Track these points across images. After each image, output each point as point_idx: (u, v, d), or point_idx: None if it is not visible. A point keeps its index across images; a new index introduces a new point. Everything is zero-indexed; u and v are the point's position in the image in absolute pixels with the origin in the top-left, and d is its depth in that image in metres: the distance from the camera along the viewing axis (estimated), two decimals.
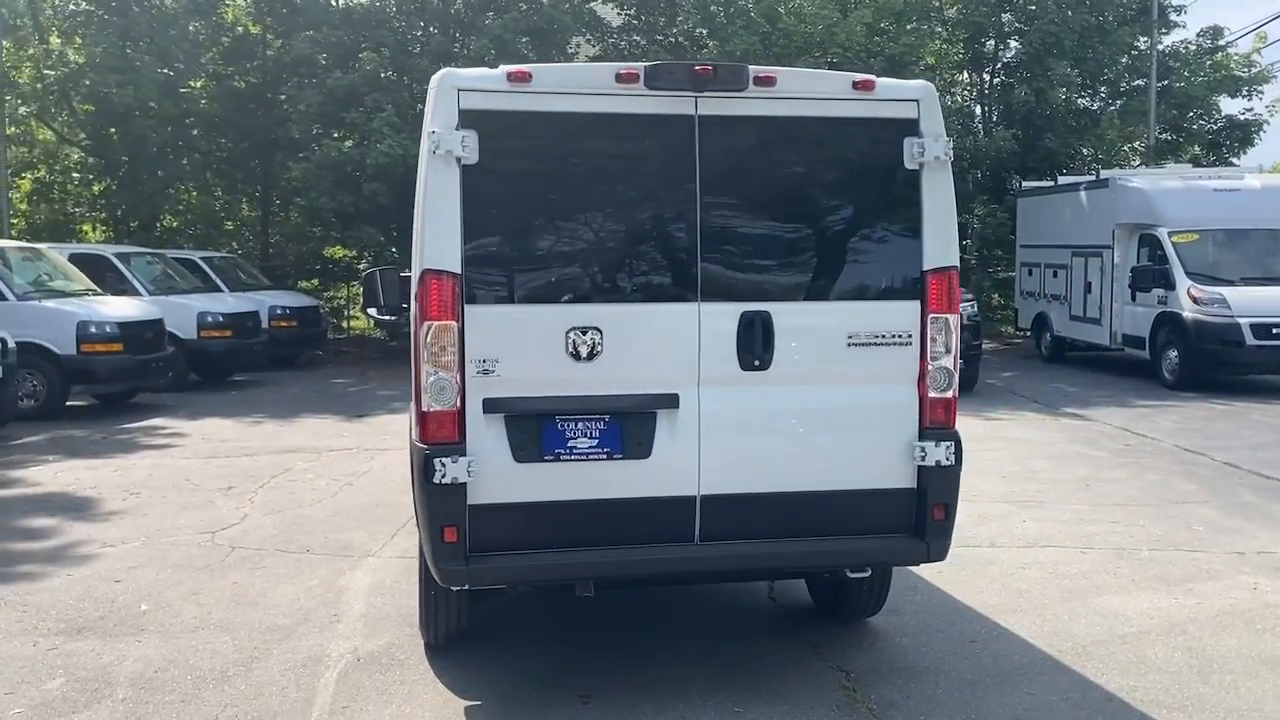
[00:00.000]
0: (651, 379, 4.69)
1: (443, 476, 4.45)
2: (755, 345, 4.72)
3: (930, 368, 4.86)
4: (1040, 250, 20.38)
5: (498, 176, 4.55)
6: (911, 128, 4.82)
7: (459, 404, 4.50)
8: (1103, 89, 25.77)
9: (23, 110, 24.53)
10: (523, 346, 4.59)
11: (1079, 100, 24.63)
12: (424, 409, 4.50)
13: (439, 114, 4.48)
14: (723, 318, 4.70)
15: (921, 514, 4.87)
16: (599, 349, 4.60)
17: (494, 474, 4.56)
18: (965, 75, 26.84)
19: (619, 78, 4.59)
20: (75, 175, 25.65)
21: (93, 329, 13.83)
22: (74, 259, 16.85)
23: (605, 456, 4.65)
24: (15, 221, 25.39)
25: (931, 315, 4.83)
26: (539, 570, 4.69)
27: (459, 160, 4.45)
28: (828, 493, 4.83)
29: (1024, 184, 21.82)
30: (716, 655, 5.43)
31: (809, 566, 5.36)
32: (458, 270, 4.46)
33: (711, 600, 6.32)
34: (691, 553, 4.76)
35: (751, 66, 4.73)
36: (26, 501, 8.99)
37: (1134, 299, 17.02)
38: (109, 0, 23.19)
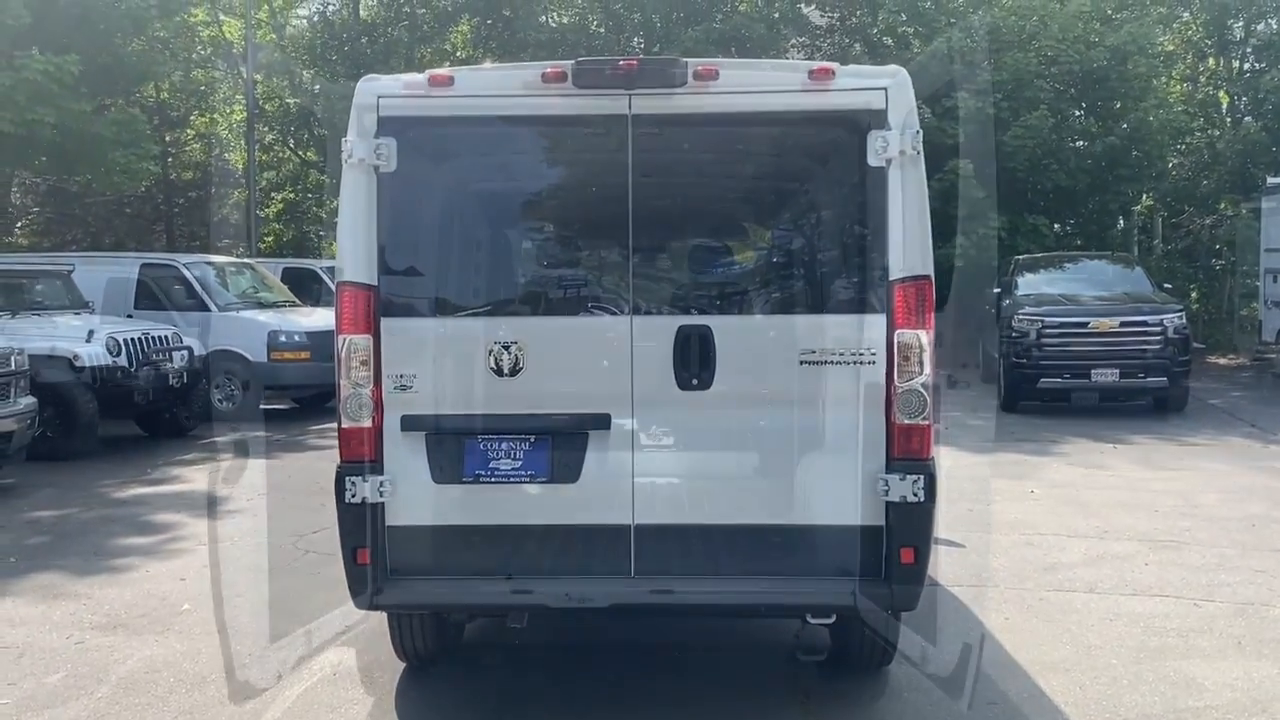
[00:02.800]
0: (580, 397, 4.39)
1: (353, 496, 4.33)
2: (692, 362, 4.31)
3: (899, 390, 4.27)
4: None
5: (418, 185, 4.40)
6: (878, 119, 4.25)
7: (374, 421, 4.37)
8: None
9: (269, 138, 26.83)
10: (441, 362, 4.42)
11: None
12: (340, 425, 4.40)
13: (356, 122, 4.37)
14: (657, 332, 4.33)
15: (888, 557, 4.29)
16: (521, 365, 4.35)
17: (413, 495, 4.39)
18: (1211, 62, 24.24)
19: (545, 77, 4.32)
20: (310, 195, 27.80)
21: (282, 338, 14.87)
22: (286, 272, 18.31)
23: (528, 479, 4.38)
24: (267, 239, 27.84)
25: (899, 331, 4.25)
26: (454, 597, 4.48)
27: (376, 169, 4.33)
28: (778, 527, 4.35)
29: (1270, 180, 19.38)
30: (688, 701, 5.01)
31: (756, 607, 4.84)
32: (373, 282, 4.34)
33: (723, 632, 5.86)
34: (626, 587, 4.41)
35: (692, 60, 4.34)
36: (165, 498, 9.66)
37: None
38: (341, 31, 24.99)
